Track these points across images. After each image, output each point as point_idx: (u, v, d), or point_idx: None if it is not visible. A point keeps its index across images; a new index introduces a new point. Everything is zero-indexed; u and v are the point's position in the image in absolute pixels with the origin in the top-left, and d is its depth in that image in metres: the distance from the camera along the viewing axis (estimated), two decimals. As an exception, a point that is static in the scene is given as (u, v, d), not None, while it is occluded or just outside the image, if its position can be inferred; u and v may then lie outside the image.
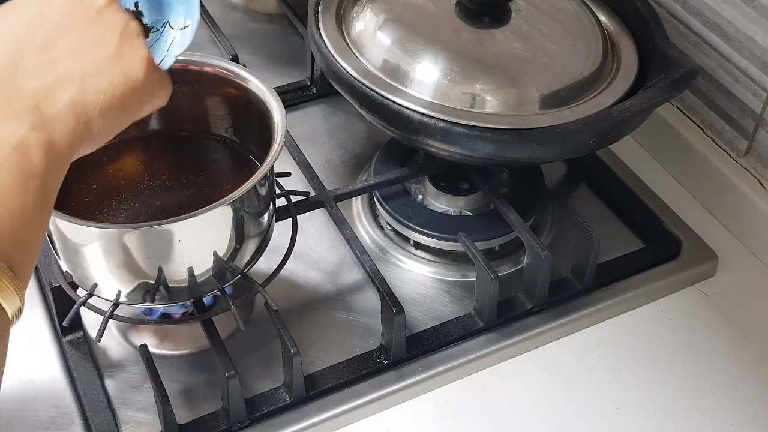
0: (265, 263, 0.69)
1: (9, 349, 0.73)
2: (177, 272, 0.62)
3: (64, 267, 0.66)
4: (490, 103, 0.71)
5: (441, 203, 0.80)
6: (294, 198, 0.73)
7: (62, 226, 0.61)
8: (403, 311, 0.67)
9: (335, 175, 0.86)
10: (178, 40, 0.58)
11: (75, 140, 0.49)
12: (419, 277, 0.78)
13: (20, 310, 0.47)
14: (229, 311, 0.65)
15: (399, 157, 0.83)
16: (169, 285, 0.63)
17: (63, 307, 0.68)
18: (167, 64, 0.58)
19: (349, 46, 0.76)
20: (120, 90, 0.50)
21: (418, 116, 0.69)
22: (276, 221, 0.70)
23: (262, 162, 0.63)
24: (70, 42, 0.50)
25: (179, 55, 0.58)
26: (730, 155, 0.84)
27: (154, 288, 0.63)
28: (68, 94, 0.49)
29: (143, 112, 0.54)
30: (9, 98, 0.48)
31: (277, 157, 0.62)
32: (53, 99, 0.48)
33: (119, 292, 0.63)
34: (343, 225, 0.73)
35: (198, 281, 0.63)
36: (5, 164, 0.45)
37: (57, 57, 0.49)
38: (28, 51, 0.49)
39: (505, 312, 0.73)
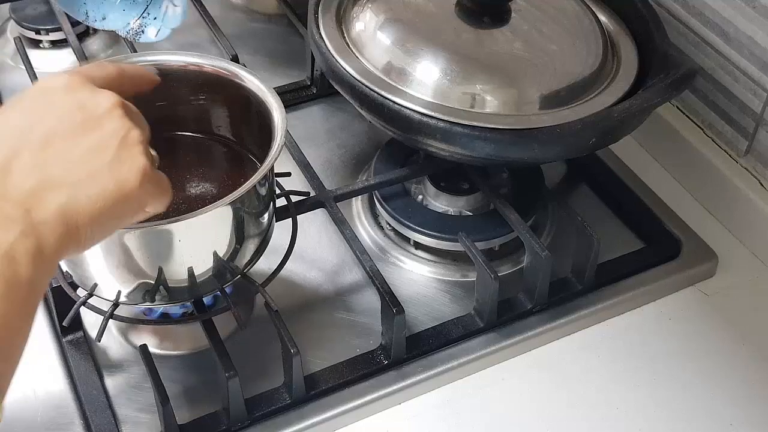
0: (265, 263, 0.69)
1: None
2: (177, 272, 0.62)
3: (64, 267, 0.66)
4: (490, 103, 0.71)
5: (441, 203, 0.80)
6: (294, 198, 0.73)
7: (62, 226, 0.61)
8: (403, 311, 0.67)
9: (335, 175, 0.86)
10: (171, 14, 0.59)
11: (62, 246, 0.47)
12: (419, 277, 0.78)
13: None
14: (229, 311, 0.65)
15: (399, 157, 0.83)
16: (169, 285, 0.63)
17: (63, 307, 0.68)
18: (164, 34, 0.59)
19: (349, 46, 0.76)
20: (112, 199, 0.49)
21: (418, 116, 0.69)
22: (276, 221, 0.70)
23: (262, 162, 0.63)
24: (66, 146, 0.49)
25: (175, 27, 0.60)
26: (730, 155, 0.84)
27: (154, 288, 0.63)
28: (59, 199, 0.47)
29: (134, 220, 0.53)
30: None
31: (277, 157, 0.62)
32: (43, 204, 0.47)
33: (119, 292, 0.63)
34: (343, 225, 0.73)
35: (198, 281, 0.63)
36: None
37: (51, 160, 0.48)
38: (23, 152, 0.48)
39: (505, 312, 0.73)
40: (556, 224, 0.82)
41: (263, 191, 0.64)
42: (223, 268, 0.64)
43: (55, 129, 0.49)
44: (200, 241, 0.62)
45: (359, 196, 0.82)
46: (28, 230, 0.46)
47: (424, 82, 0.72)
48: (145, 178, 0.51)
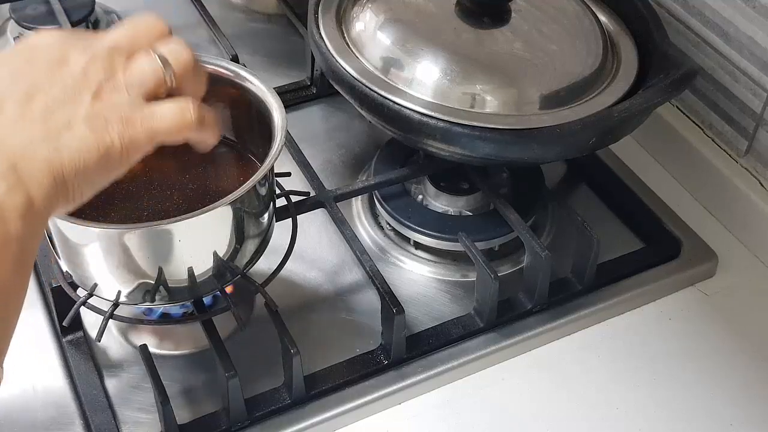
0: (265, 263, 0.69)
1: (9, 349, 0.72)
2: (177, 272, 0.62)
3: (64, 267, 0.66)
4: (490, 103, 0.71)
5: (441, 203, 0.80)
6: (294, 198, 0.73)
7: (62, 226, 0.61)
8: (403, 311, 0.67)
9: (335, 175, 0.86)
10: None
11: (51, 200, 0.47)
12: (419, 277, 0.78)
13: None
14: (229, 311, 0.65)
15: (399, 157, 0.83)
16: (169, 285, 0.63)
17: (63, 307, 0.68)
18: None
19: (349, 46, 0.76)
20: (95, 151, 0.49)
21: (418, 116, 0.69)
22: (276, 221, 0.70)
23: (262, 162, 0.63)
24: (46, 101, 0.49)
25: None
26: (730, 155, 0.84)
27: (154, 288, 0.63)
28: (42, 153, 0.47)
29: (123, 169, 0.52)
30: None
31: (277, 157, 0.62)
32: (29, 158, 0.47)
33: (119, 292, 0.63)
34: (343, 225, 0.73)
35: (198, 281, 0.63)
36: None
37: (33, 116, 0.49)
38: (6, 106, 0.49)
39: (505, 312, 0.73)
40: (556, 224, 0.82)
41: (263, 191, 0.64)
42: (223, 268, 0.64)
43: (34, 85, 0.49)
44: (200, 241, 0.62)
45: (359, 196, 0.82)
46: (16, 185, 0.46)
47: (424, 82, 0.72)
48: (124, 129, 0.50)
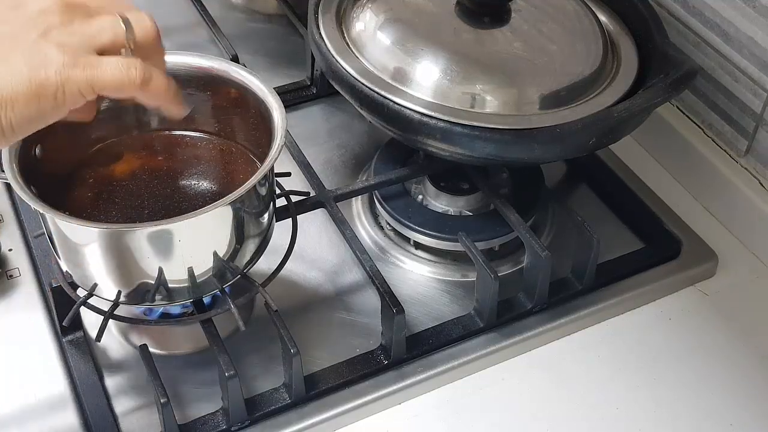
0: (265, 263, 0.69)
1: (9, 348, 0.73)
2: (177, 272, 0.62)
3: (64, 267, 0.66)
4: (490, 103, 0.71)
5: (441, 203, 0.80)
6: (294, 198, 0.73)
7: (62, 226, 0.61)
8: (403, 311, 0.67)
9: (335, 175, 0.86)
10: None
11: None
12: (419, 277, 0.78)
13: None
14: (229, 311, 0.65)
15: (399, 157, 0.83)
16: (169, 285, 0.63)
17: (63, 307, 0.68)
18: None
19: (349, 46, 0.76)
20: (27, 83, 0.49)
21: (418, 116, 0.69)
22: (276, 221, 0.70)
23: (262, 162, 0.63)
24: None
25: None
26: (730, 155, 0.84)
27: (154, 288, 0.63)
28: None
29: (58, 111, 0.52)
30: None
31: (277, 157, 0.62)
32: None
33: (119, 292, 0.63)
34: (343, 225, 0.73)
35: (198, 281, 0.63)
36: None
37: None
38: None
39: (505, 312, 0.73)
40: (556, 224, 0.82)
41: (263, 191, 0.64)
42: (223, 268, 0.64)
43: None
44: (200, 241, 0.62)
45: (359, 196, 0.82)
46: None
47: (424, 82, 0.72)
48: (63, 69, 0.50)
